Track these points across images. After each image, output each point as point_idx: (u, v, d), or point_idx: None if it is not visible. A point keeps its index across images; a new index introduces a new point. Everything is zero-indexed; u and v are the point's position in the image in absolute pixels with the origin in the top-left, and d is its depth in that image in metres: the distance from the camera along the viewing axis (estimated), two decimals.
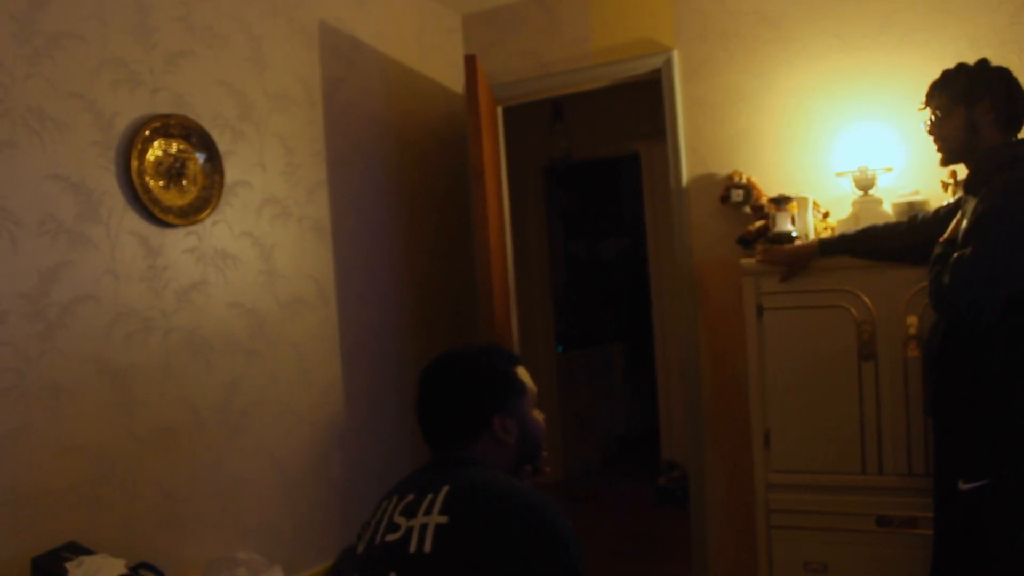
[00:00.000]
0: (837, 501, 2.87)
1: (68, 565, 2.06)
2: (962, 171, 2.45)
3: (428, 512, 1.40)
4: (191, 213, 2.66)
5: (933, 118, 2.42)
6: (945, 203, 2.64)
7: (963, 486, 2.25)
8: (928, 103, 2.44)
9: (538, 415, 1.67)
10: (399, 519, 1.44)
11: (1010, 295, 2.13)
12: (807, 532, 2.92)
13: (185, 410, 2.64)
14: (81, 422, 2.34)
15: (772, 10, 3.37)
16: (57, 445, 2.27)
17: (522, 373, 1.67)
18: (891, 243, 2.72)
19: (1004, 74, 2.34)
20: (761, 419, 3.00)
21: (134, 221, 2.50)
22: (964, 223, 2.27)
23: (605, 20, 3.75)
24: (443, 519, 1.38)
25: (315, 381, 3.14)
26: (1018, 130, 2.34)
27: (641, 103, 4.68)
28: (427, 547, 1.36)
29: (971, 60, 2.39)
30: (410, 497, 1.47)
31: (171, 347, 2.60)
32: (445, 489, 1.42)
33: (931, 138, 2.45)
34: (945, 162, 2.46)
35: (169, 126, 2.59)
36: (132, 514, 2.45)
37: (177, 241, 2.64)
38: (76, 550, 2.16)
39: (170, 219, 2.58)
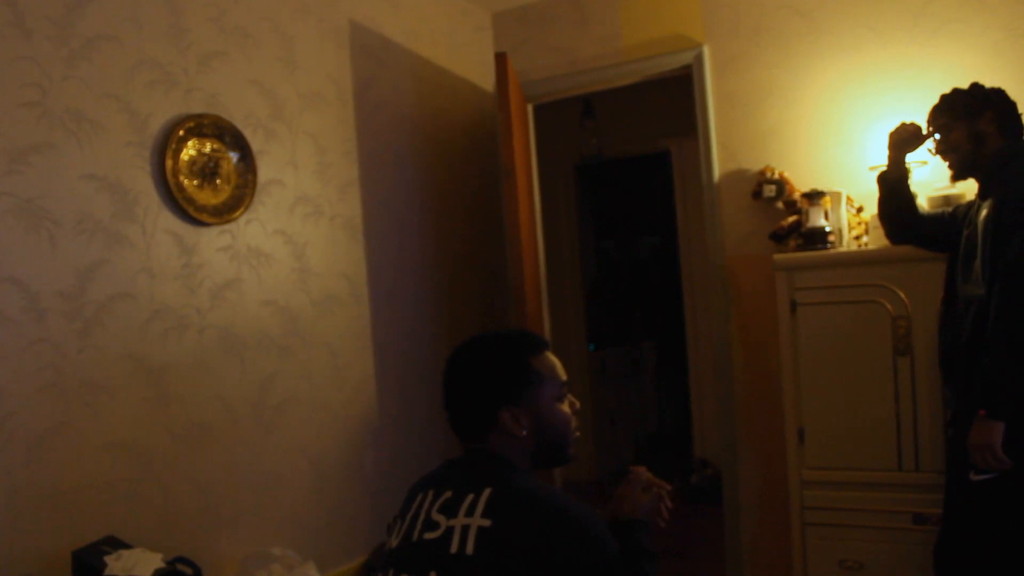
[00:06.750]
0: (872, 498, 2.84)
1: (107, 558, 2.10)
2: None
3: (470, 513, 1.40)
4: (225, 212, 2.69)
5: (939, 137, 2.48)
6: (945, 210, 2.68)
7: (974, 477, 2.28)
8: (930, 125, 2.51)
9: (564, 405, 1.60)
10: (438, 517, 1.44)
11: None
12: (842, 530, 2.89)
13: (220, 407, 2.67)
14: (118, 418, 2.38)
15: (804, 3, 3.33)
16: (96, 441, 2.31)
17: (542, 361, 1.59)
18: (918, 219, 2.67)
19: (1001, 92, 2.41)
20: (795, 415, 2.97)
21: (169, 220, 2.54)
22: (979, 225, 2.33)
23: (635, 16, 3.73)
24: (486, 522, 1.37)
25: (348, 378, 3.16)
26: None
27: (672, 99, 4.63)
28: (469, 549, 1.36)
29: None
30: (448, 494, 1.46)
31: (206, 344, 2.63)
32: (488, 491, 1.41)
33: (940, 158, 2.52)
34: (956, 177, 2.50)
35: (203, 126, 2.62)
36: (169, 509, 2.48)
37: (211, 240, 2.67)
38: (115, 544, 2.20)
39: (204, 218, 2.61)
